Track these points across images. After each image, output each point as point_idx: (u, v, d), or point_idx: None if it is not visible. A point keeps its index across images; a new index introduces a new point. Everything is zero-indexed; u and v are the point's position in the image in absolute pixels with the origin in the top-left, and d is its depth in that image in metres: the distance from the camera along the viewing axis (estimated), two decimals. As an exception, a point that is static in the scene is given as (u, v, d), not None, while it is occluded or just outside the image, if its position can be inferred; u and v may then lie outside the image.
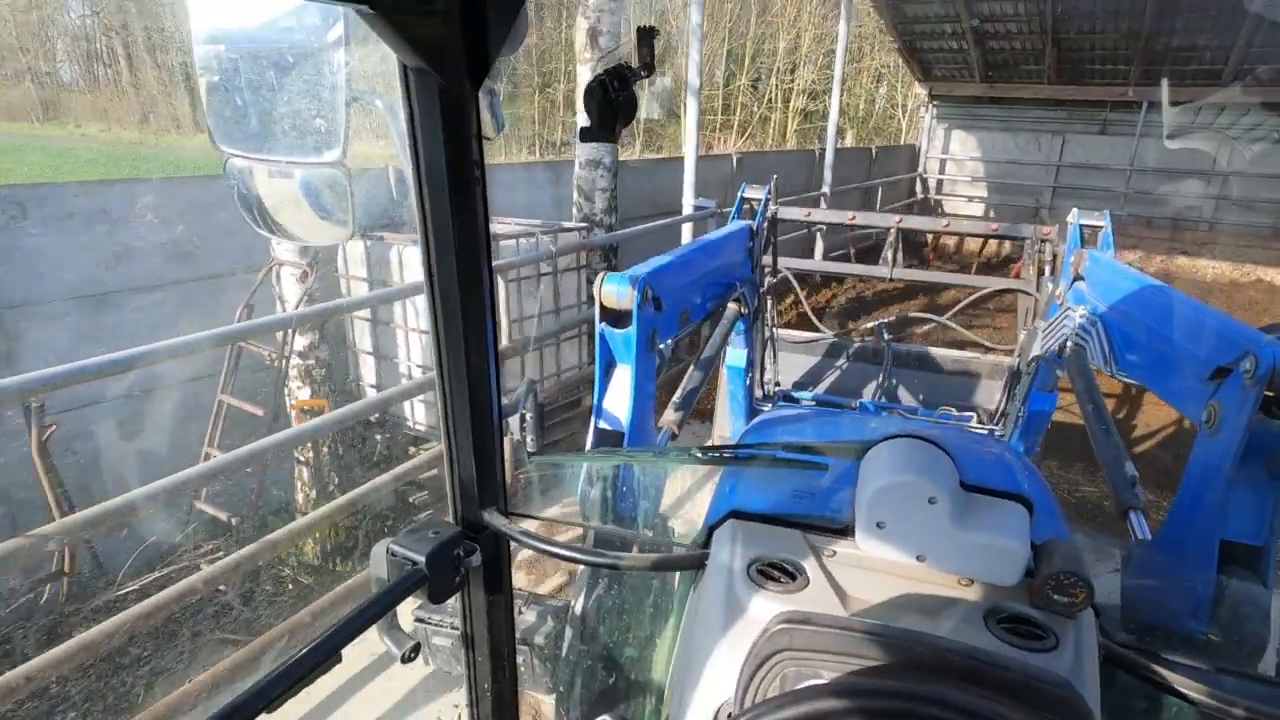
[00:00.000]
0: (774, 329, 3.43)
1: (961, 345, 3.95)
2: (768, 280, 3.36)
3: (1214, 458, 1.33)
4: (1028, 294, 3.28)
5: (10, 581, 3.62)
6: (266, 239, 4.37)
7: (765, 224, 3.11)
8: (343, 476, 4.69)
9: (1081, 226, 2.68)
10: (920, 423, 2.51)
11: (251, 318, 4.31)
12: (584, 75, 5.73)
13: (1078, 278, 2.31)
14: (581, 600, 1.38)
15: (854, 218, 3.85)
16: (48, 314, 4.10)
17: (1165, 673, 0.88)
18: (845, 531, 1.01)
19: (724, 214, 4.28)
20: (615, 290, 1.76)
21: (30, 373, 2.37)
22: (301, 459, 4.52)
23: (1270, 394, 1.25)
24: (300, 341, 4.40)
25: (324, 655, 0.83)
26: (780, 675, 0.77)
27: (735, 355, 3.10)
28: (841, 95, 11.09)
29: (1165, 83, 11.88)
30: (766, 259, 3.23)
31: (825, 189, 10.55)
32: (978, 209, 14.95)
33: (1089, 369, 1.99)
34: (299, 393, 4.49)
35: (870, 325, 3.95)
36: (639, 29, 1.02)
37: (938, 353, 3.66)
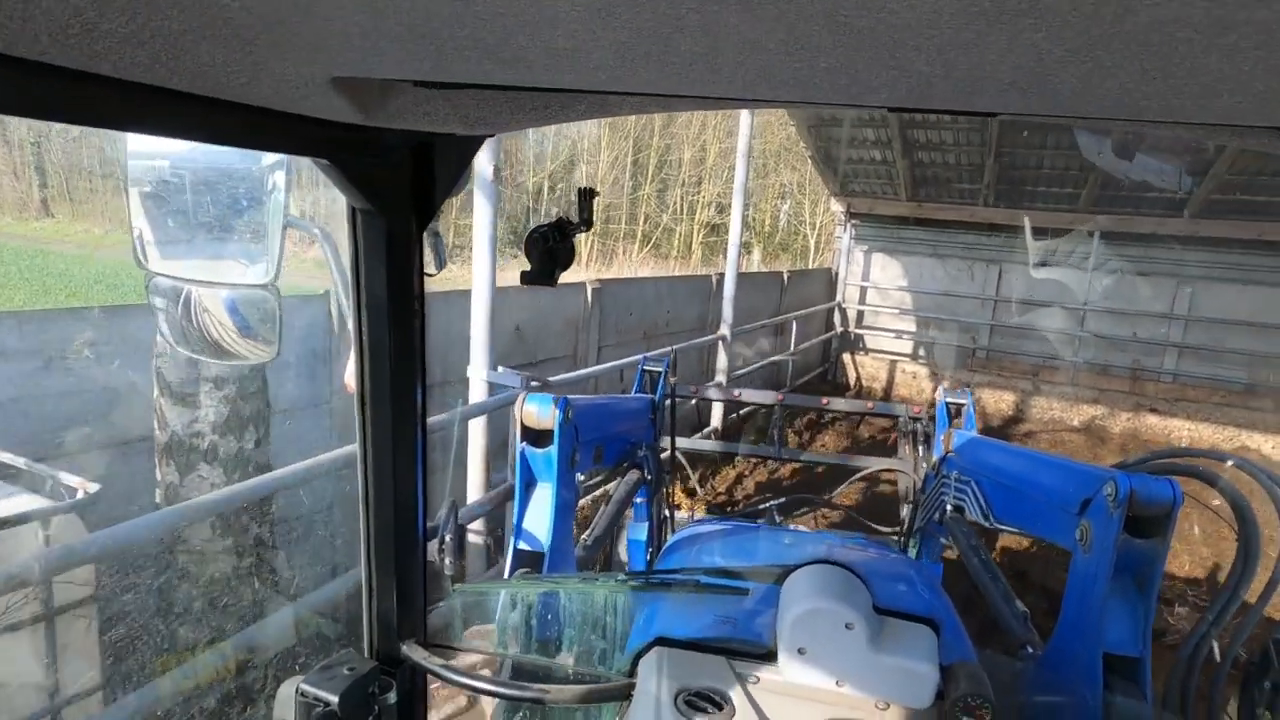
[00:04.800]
0: (671, 508, 3.33)
1: (849, 525, 4.13)
2: (663, 457, 3.19)
3: (1090, 573, 1.48)
4: (904, 473, 3.80)
5: None
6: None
7: (665, 400, 3.07)
8: None
9: (946, 404, 2.98)
10: (834, 539, 2.32)
11: None
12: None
13: (949, 453, 2.45)
14: None
15: (739, 394, 4.58)
16: None
17: None
18: (768, 656, 1.04)
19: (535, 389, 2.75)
20: (536, 410, 1.82)
21: None
22: None
23: (1131, 515, 1.41)
24: None
25: None
26: None
27: (637, 529, 3.00)
28: (746, 209, 8.67)
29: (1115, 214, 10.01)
30: (666, 438, 3.16)
31: (725, 330, 7.67)
32: (906, 346, 12.61)
33: (968, 527, 2.17)
34: None
35: (763, 506, 3.86)
36: (579, 190, 1.04)
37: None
